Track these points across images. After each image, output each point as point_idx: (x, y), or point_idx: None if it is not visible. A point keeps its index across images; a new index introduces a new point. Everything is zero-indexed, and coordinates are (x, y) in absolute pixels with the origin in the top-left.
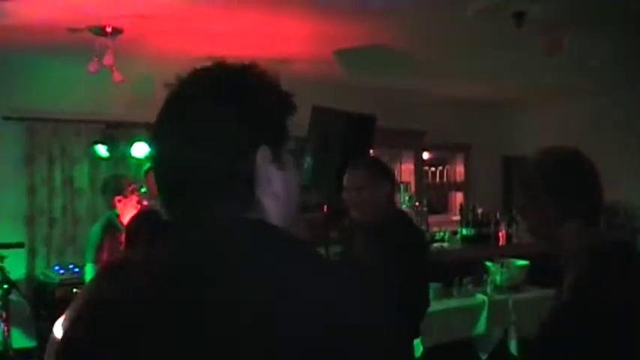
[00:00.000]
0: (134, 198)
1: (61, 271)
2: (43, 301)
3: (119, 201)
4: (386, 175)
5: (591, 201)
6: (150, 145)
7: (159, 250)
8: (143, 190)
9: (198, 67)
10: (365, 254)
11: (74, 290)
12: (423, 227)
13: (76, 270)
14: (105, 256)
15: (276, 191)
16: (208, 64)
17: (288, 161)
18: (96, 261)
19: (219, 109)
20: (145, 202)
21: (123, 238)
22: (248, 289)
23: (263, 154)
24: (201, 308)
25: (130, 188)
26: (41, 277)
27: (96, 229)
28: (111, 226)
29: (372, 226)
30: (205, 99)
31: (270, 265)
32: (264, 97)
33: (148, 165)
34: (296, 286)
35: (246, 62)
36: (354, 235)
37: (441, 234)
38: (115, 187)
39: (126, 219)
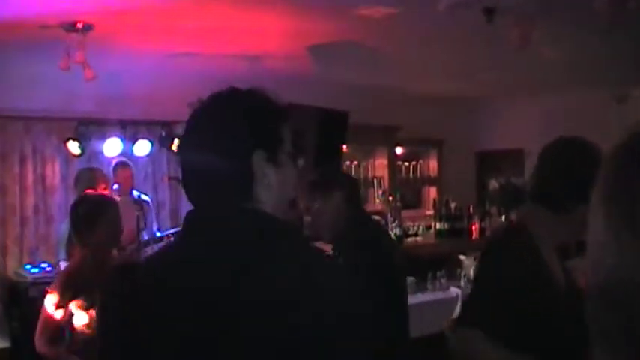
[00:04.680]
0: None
1: (34, 270)
2: (16, 300)
3: None
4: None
5: None
6: (178, 152)
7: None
8: (115, 187)
9: (216, 91)
10: None
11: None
12: (397, 222)
13: (49, 269)
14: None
15: (270, 183)
16: (223, 88)
17: (284, 161)
18: (67, 257)
19: (227, 124)
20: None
21: None
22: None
23: (259, 156)
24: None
25: (103, 186)
26: (14, 277)
27: (65, 225)
28: None
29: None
30: (218, 116)
31: (256, 252)
32: (262, 113)
33: (116, 162)
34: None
35: (252, 88)
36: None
37: (415, 228)
38: (87, 179)
39: None
